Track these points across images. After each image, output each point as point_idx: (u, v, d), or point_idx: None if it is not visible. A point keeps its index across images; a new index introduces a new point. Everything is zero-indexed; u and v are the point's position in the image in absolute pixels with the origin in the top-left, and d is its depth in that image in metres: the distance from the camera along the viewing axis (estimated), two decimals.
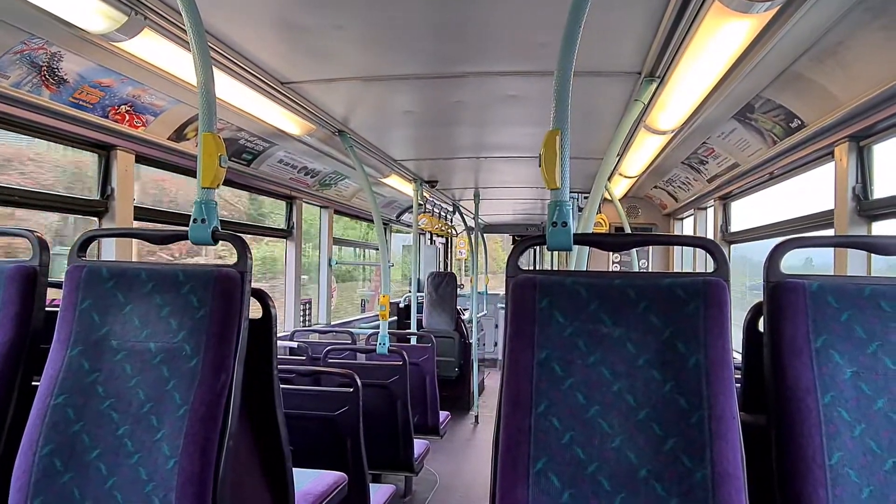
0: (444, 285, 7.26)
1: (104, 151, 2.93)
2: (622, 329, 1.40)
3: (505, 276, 1.53)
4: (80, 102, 2.57)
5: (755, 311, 1.56)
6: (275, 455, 1.76)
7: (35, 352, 1.74)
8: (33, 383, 1.66)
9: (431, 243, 9.27)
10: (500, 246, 15.87)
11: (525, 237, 1.62)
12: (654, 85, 2.68)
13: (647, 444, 1.32)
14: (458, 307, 7.33)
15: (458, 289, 7.51)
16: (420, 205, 5.86)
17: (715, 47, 2.17)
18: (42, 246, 1.81)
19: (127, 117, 2.84)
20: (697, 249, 5.42)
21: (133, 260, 3.09)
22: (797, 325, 1.39)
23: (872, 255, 2.48)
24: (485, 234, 9.32)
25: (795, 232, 3.41)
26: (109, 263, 1.67)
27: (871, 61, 2.12)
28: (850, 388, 1.34)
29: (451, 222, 8.66)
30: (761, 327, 1.51)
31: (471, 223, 8.05)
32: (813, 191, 3.25)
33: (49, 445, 1.50)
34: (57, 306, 1.66)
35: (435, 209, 7.68)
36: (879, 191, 2.57)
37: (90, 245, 1.76)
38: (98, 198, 2.94)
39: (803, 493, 1.30)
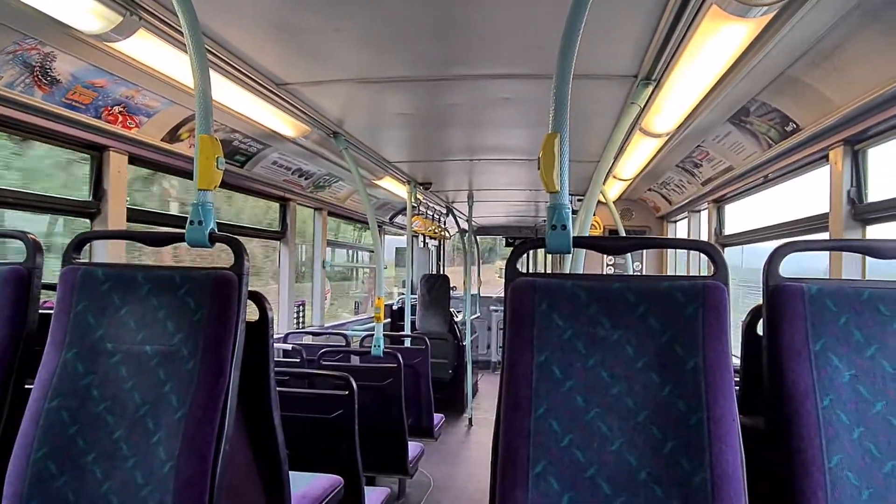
0: (437, 287, 7.25)
1: (97, 152, 2.90)
2: (621, 332, 1.40)
3: (504, 279, 1.52)
4: (73, 103, 2.54)
5: (754, 314, 1.56)
6: (271, 458, 1.75)
7: (29, 355, 1.72)
8: (27, 386, 1.65)
9: (424, 246, 9.26)
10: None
11: (524, 240, 1.61)
12: (650, 88, 2.68)
13: (647, 447, 1.32)
14: (452, 309, 7.32)
15: (451, 291, 7.51)
16: (414, 207, 5.85)
17: (711, 51, 2.18)
18: (36, 248, 1.79)
19: (120, 118, 2.81)
20: (692, 252, 5.44)
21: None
22: (796, 328, 1.39)
23: (867, 258, 2.49)
24: (477, 237, 9.33)
25: (790, 235, 3.42)
26: (105, 265, 1.66)
27: (866, 65, 2.13)
28: (849, 391, 1.35)
29: (445, 225, 8.65)
30: (760, 330, 1.51)
31: (464, 225, 8.04)
32: (807, 194, 3.26)
33: (43, 449, 1.48)
34: (50, 309, 1.64)
35: (428, 211, 7.68)
36: (874, 194, 2.58)
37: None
38: (90, 199, 2.92)
39: (803, 496, 1.30)
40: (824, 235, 2.88)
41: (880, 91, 2.15)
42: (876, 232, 2.60)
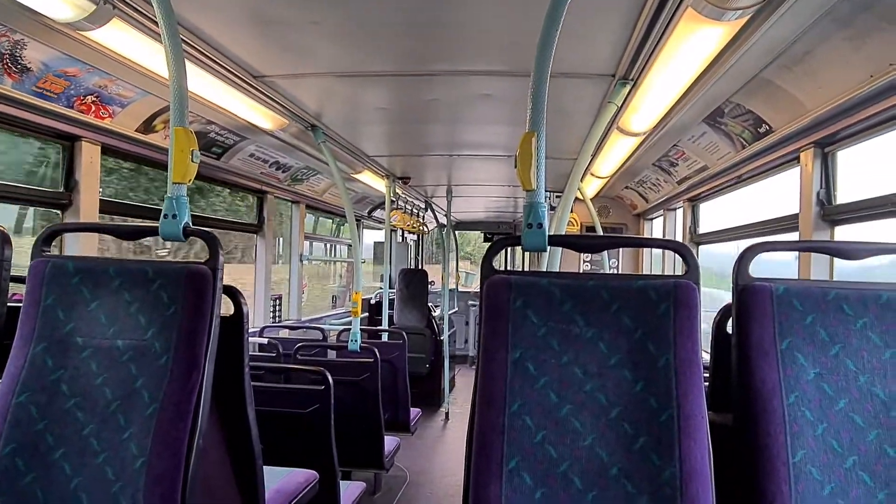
0: (415, 282, 7.25)
1: (68, 143, 2.84)
2: (595, 329, 1.42)
3: (479, 276, 1.54)
4: (44, 92, 2.49)
5: (723, 313, 1.59)
6: (245, 453, 1.74)
7: None
8: None
9: (403, 240, 9.25)
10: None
11: (500, 237, 1.63)
12: (628, 88, 2.71)
13: (618, 443, 1.34)
14: (430, 304, 7.33)
15: (429, 285, 7.52)
16: (392, 201, 5.84)
17: (687, 52, 2.21)
18: (4, 240, 1.75)
19: (93, 108, 2.76)
20: (667, 251, 5.51)
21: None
22: (764, 328, 1.43)
23: (835, 258, 2.55)
24: (456, 231, 9.34)
25: (761, 235, 3.49)
26: (75, 258, 1.63)
27: (836, 70, 2.17)
28: (814, 388, 1.38)
29: (423, 219, 8.65)
30: (729, 329, 1.54)
31: (442, 220, 8.04)
32: (779, 194, 3.33)
33: (10, 445, 1.45)
34: (19, 302, 1.61)
35: (407, 206, 7.67)
36: (842, 196, 2.64)
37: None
38: (61, 190, 2.86)
39: (768, 490, 1.33)
40: (795, 235, 2.94)
41: (849, 95, 2.19)
42: (844, 233, 2.66)
